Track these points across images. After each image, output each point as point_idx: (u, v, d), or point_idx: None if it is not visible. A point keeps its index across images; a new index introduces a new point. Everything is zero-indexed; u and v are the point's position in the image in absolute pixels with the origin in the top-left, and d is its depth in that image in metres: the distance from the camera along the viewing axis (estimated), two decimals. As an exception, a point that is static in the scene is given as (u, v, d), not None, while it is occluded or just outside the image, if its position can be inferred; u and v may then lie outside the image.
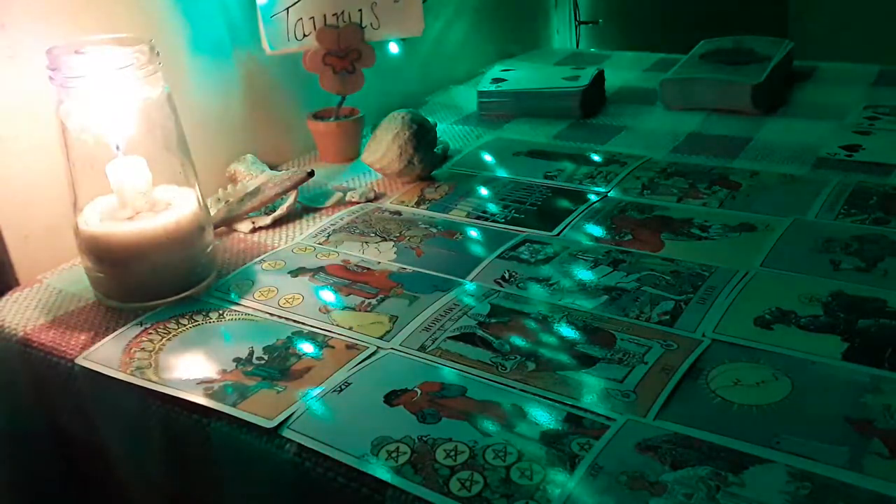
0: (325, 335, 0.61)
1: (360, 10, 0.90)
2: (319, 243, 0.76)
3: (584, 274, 0.67)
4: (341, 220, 0.80)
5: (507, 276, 0.68)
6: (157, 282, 0.66)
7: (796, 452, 0.47)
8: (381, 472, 0.48)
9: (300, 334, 0.62)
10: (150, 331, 0.63)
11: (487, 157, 0.93)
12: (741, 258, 0.67)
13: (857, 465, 0.45)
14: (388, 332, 0.61)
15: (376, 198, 0.85)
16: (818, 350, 0.55)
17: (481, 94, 1.08)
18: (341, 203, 0.84)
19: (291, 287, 0.68)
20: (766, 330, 0.58)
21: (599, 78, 1.09)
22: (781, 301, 0.60)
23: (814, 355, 0.55)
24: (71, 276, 0.73)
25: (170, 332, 0.63)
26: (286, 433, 0.52)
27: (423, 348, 0.59)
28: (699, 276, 0.65)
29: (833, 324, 0.57)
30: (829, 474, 0.45)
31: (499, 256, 0.71)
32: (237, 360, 0.59)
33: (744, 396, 0.52)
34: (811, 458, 0.46)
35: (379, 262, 0.71)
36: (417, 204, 0.83)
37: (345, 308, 0.65)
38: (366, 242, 0.75)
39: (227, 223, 0.80)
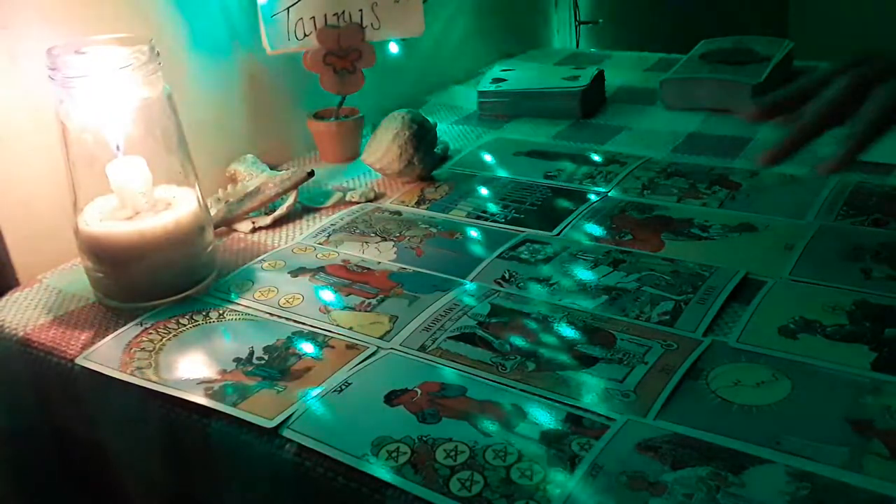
0: (325, 335, 0.61)
1: (361, 10, 0.90)
2: (319, 243, 0.76)
3: (584, 274, 0.67)
4: (341, 220, 0.80)
5: (507, 275, 0.68)
6: (157, 282, 0.66)
7: (796, 453, 0.47)
8: (382, 471, 0.48)
9: (300, 334, 0.62)
10: (150, 331, 0.63)
11: (487, 157, 0.93)
12: (741, 259, 0.67)
13: (857, 465, 0.45)
14: (388, 332, 0.61)
15: (376, 198, 0.85)
16: (846, 360, 0.54)
17: (481, 94, 1.08)
18: (341, 203, 0.84)
19: (291, 287, 0.68)
20: (792, 339, 0.57)
21: (599, 78, 1.09)
22: (805, 310, 0.60)
23: (842, 365, 0.54)
24: (71, 276, 0.73)
25: (170, 332, 0.63)
26: (286, 433, 0.52)
27: (423, 348, 0.59)
28: (699, 276, 0.65)
29: (859, 333, 0.57)
30: (829, 475, 0.45)
31: (499, 256, 0.71)
32: (237, 360, 0.59)
33: (744, 397, 0.52)
34: (811, 458, 0.46)
35: (379, 262, 0.71)
36: (417, 204, 0.83)
37: (345, 308, 0.65)
38: (366, 242, 0.75)
39: (227, 223, 0.80)
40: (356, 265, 0.71)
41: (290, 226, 0.81)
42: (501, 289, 0.66)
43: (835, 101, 0.62)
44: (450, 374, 0.56)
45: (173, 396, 0.56)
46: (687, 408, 0.51)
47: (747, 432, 0.48)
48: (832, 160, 0.61)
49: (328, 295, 0.66)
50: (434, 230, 0.76)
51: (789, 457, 0.46)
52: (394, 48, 0.97)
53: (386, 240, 0.75)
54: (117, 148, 0.65)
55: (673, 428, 0.50)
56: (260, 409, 0.53)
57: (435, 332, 0.60)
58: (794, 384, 0.52)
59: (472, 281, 0.68)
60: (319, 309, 0.65)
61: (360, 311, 0.64)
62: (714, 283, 0.64)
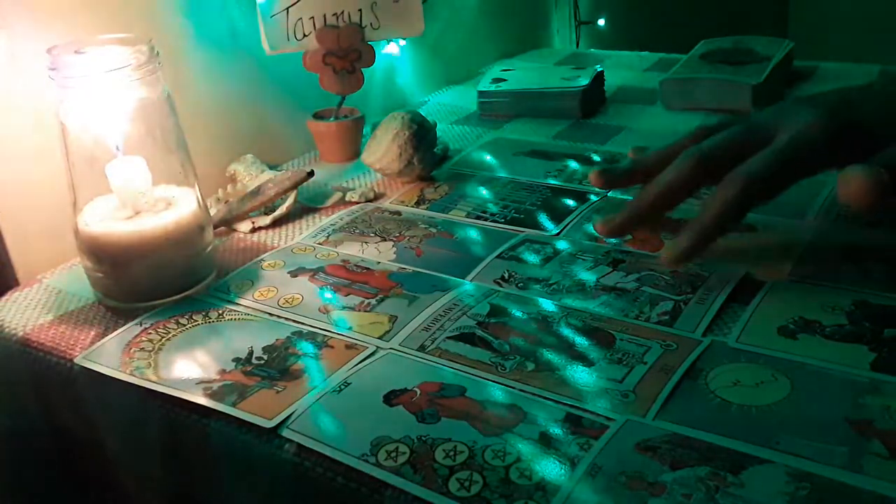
0: (325, 335, 0.61)
1: (360, 10, 0.90)
2: (319, 243, 0.76)
3: (585, 274, 0.67)
4: (341, 220, 0.80)
5: (506, 275, 0.68)
6: (157, 282, 0.66)
7: (796, 453, 0.47)
8: (381, 471, 0.48)
9: (300, 334, 0.62)
10: (150, 331, 0.63)
11: (487, 157, 0.93)
12: (741, 259, 0.67)
13: (857, 465, 0.45)
14: (387, 331, 0.61)
15: (376, 198, 0.85)
16: (846, 360, 0.54)
17: (481, 94, 1.08)
18: (341, 203, 0.85)
19: (291, 287, 0.68)
20: (791, 339, 0.57)
21: (599, 78, 1.09)
22: (804, 310, 0.59)
23: (841, 365, 0.54)
24: (71, 276, 0.73)
25: (169, 332, 0.63)
26: (285, 433, 0.52)
27: (422, 348, 0.59)
28: (698, 276, 0.65)
29: (859, 333, 0.57)
30: (828, 475, 0.45)
31: (498, 256, 0.71)
32: (237, 360, 0.59)
33: (743, 397, 0.51)
34: (811, 458, 0.46)
35: (378, 262, 0.71)
36: (417, 204, 0.83)
37: (344, 308, 0.65)
38: (365, 242, 0.75)
39: (226, 223, 0.80)
40: (356, 265, 0.71)
41: (290, 226, 0.81)
42: (501, 289, 0.66)
43: (679, 180, 0.62)
44: (449, 374, 0.56)
45: (173, 396, 0.56)
46: (686, 408, 0.51)
47: (747, 432, 0.48)
48: (677, 252, 0.61)
49: (328, 295, 0.67)
50: (434, 230, 0.77)
51: (789, 457, 0.46)
52: (394, 48, 0.98)
53: (385, 240, 0.75)
54: (117, 148, 0.65)
55: (672, 428, 0.49)
56: (259, 409, 0.54)
57: (434, 332, 0.60)
58: (793, 384, 0.52)
59: (471, 281, 0.68)
60: (319, 309, 0.65)
61: (359, 310, 0.64)
62: (714, 283, 0.64)
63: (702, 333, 0.58)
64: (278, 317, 0.64)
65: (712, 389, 0.52)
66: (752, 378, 0.53)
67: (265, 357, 0.59)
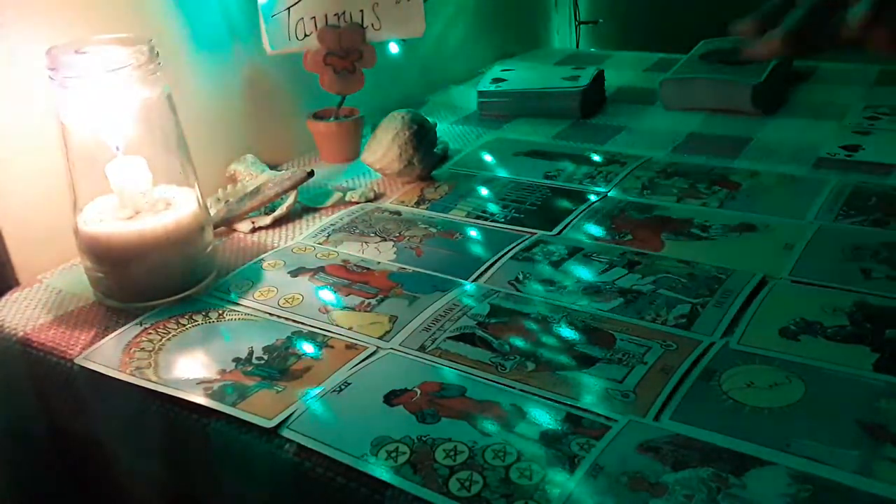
0: (325, 335, 0.61)
1: (362, 11, 0.90)
2: (319, 243, 0.76)
3: (600, 276, 0.66)
4: (341, 220, 0.80)
5: (520, 277, 0.67)
6: (157, 282, 0.66)
7: (807, 456, 0.46)
8: (381, 471, 0.48)
9: (300, 334, 0.62)
10: (150, 331, 0.63)
11: (487, 157, 0.93)
12: (741, 259, 0.67)
13: (868, 469, 0.45)
14: (387, 332, 0.61)
15: (376, 198, 0.85)
16: (848, 362, 0.54)
17: (481, 94, 1.08)
18: (341, 203, 0.84)
19: (291, 287, 0.68)
20: (793, 341, 0.57)
21: (599, 78, 1.09)
22: (805, 311, 0.59)
23: (843, 366, 0.53)
24: (71, 276, 0.73)
25: (169, 332, 0.63)
26: (286, 433, 0.52)
27: (422, 348, 0.59)
28: (716, 279, 0.64)
29: (860, 334, 0.57)
30: (834, 478, 0.45)
31: (513, 258, 0.70)
32: (237, 360, 0.59)
33: (757, 399, 0.51)
34: (822, 461, 0.46)
35: (379, 262, 0.71)
36: (417, 204, 0.83)
37: (344, 308, 0.64)
38: (365, 242, 0.75)
39: (226, 223, 0.80)
40: (356, 265, 0.71)
41: (290, 226, 0.80)
42: (502, 289, 0.66)
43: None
44: (449, 374, 0.56)
45: (173, 396, 0.56)
46: (699, 409, 0.51)
47: (758, 434, 0.48)
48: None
49: (328, 295, 0.66)
50: (434, 230, 0.76)
51: (792, 459, 0.46)
52: (394, 48, 0.97)
53: (386, 240, 0.75)
54: (117, 148, 0.65)
55: (676, 429, 0.49)
56: (259, 409, 0.53)
57: (434, 333, 0.60)
58: (807, 387, 0.52)
59: (483, 282, 0.67)
60: (319, 309, 0.65)
61: (359, 311, 0.64)
62: (731, 285, 0.63)
63: (720, 336, 0.58)
64: (278, 317, 0.64)
65: (725, 391, 0.52)
66: (767, 380, 0.53)
67: (265, 357, 0.59)
